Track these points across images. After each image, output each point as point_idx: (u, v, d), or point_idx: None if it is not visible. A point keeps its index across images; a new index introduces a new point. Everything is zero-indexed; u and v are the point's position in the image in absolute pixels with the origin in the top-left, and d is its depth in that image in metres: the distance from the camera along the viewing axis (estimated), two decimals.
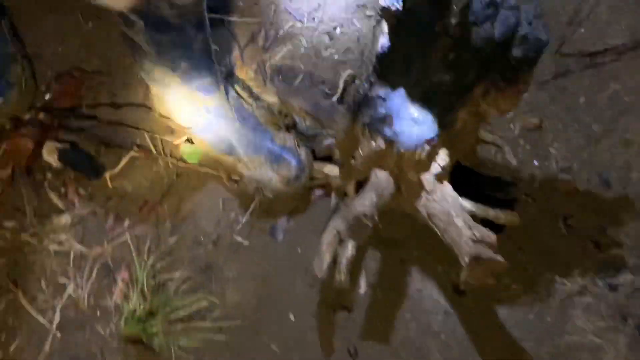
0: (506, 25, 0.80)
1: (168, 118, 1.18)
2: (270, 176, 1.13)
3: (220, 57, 1.27)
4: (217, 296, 1.15)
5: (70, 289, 1.12)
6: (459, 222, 0.94)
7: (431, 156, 0.95)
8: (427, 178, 0.97)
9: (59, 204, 1.19)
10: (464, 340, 1.15)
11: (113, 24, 0.97)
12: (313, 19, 1.31)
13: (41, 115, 1.21)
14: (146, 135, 1.21)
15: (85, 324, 1.13)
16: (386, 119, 0.92)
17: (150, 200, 1.20)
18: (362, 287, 1.16)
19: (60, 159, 1.18)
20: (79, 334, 1.14)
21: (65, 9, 1.26)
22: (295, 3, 1.31)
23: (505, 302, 1.15)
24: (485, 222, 1.10)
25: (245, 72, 1.26)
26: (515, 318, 1.14)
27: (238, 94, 1.21)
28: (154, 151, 1.20)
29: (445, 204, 0.97)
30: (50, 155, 1.18)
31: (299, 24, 1.31)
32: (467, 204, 1.03)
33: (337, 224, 1.13)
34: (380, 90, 0.91)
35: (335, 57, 1.29)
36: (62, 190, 1.20)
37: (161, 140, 1.21)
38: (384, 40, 0.85)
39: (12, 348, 1.13)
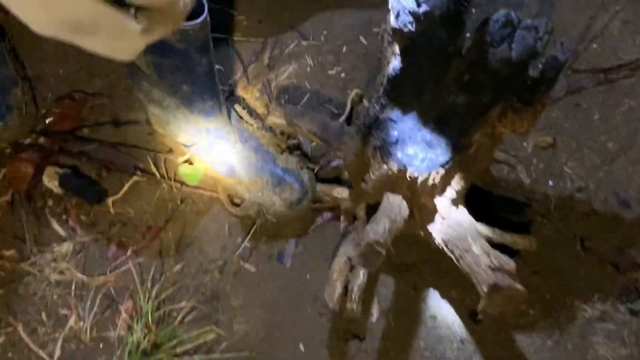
0: (523, 46, 0.77)
1: (168, 140, 1.15)
2: (273, 199, 1.10)
3: (222, 77, 1.25)
4: (224, 326, 1.11)
5: (71, 321, 1.09)
6: (476, 248, 0.90)
7: (445, 180, 0.92)
8: (442, 202, 0.94)
9: (60, 231, 1.15)
10: None
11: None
12: (319, 37, 1.29)
13: (41, 140, 1.18)
14: (149, 158, 1.18)
15: (88, 357, 1.09)
16: (398, 142, 0.89)
17: (154, 226, 1.16)
18: (374, 314, 1.12)
19: (61, 184, 1.15)
20: None
21: None
22: (300, 21, 1.30)
23: (523, 328, 1.11)
24: (499, 245, 1.07)
25: (250, 92, 1.23)
26: (533, 346, 1.10)
27: (239, 115, 1.18)
28: (158, 175, 1.17)
29: (460, 229, 0.93)
30: (50, 180, 1.15)
31: (304, 42, 1.29)
32: (483, 228, 1.00)
33: (348, 250, 1.10)
34: (392, 113, 0.88)
35: (342, 75, 1.27)
36: (64, 216, 1.17)
37: (165, 164, 1.18)
38: (395, 62, 0.83)
39: None
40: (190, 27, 0.80)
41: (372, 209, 1.11)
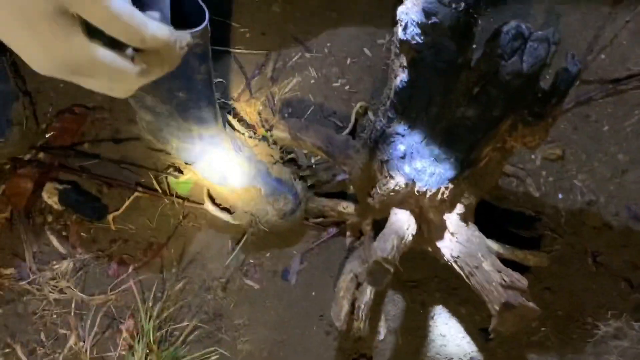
0: (534, 58, 0.75)
1: (159, 150, 1.13)
2: (266, 209, 1.09)
3: (225, 90, 1.24)
4: (227, 346, 1.08)
5: (71, 341, 1.06)
6: (487, 265, 0.88)
7: (454, 195, 0.89)
8: (451, 218, 0.92)
9: (60, 248, 1.13)
10: None
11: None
12: (322, 49, 1.28)
13: (41, 155, 1.17)
14: (150, 173, 1.16)
15: None
16: (406, 156, 0.87)
17: (155, 243, 1.14)
18: (382, 333, 1.09)
19: (61, 200, 1.13)
20: None
21: None
22: (304, 33, 1.28)
23: (535, 346, 1.08)
24: (509, 261, 1.05)
25: (253, 105, 1.22)
26: None
27: (231, 124, 1.17)
28: (159, 190, 1.15)
29: (470, 245, 0.91)
30: (50, 196, 1.14)
31: (307, 55, 1.27)
32: (494, 245, 0.97)
33: (354, 267, 1.08)
34: (399, 126, 0.86)
35: (347, 87, 1.26)
36: (63, 233, 1.14)
37: (166, 179, 1.16)
38: (402, 74, 0.81)
39: None
40: (190, 34, 0.78)
41: (378, 224, 1.08)
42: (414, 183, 0.86)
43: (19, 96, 1.15)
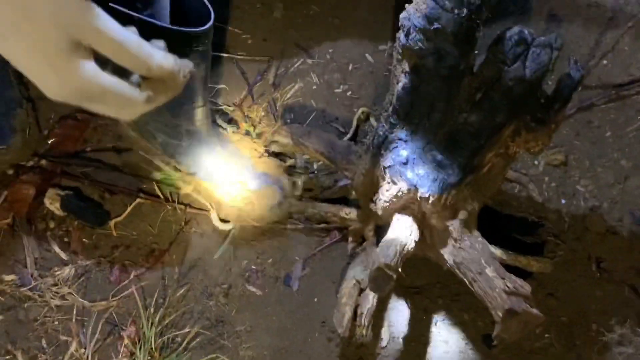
0: (537, 63, 0.75)
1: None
2: (252, 203, 1.10)
3: (227, 96, 1.24)
4: (229, 353, 1.08)
5: (72, 348, 1.06)
6: (490, 272, 0.87)
7: (457, 201, 0.89)
8: (453, 224, 0.91)
9: (62, 254, 1.13)
10: None
11: None
12: (324, 55, 1.28)
13: (44, 161, 1.16)
14: (153, 180, 1.16)
15: None
16: (408, 162, 0.86)
17: (157, 249, 1.14)
18: (384, 339, 1.09)
19: (63, 206, 1.13)
20: None
21: None
22: (306, 39, 1.28)
23: (538, 353, 1.07)
24: (511, 267, 1.04)
25: (255, 111, 1.22)
26: None
27: (215, 120, 1.18)
28: (161, 196, 1.15)
29: (473, 251, 0.90)
30: (52, 202, 1.13)
31: (309, 61, 1.28)
32: (497, 251, 0.97)
33: (357, 273, 1.08)
34: (402, 132, 0.86)
35: (349, 93, 1.26)
36: (65, 239, 1.14)
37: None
38: (404, 80, 0.81)
39: None
40: (193, 33, 0.78)
41: (380, 230, 1.08)
42: (416, 189, 0.85)
43: (22, 103, 1.15)
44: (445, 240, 0.93)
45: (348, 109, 1.25)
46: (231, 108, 1.22)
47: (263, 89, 1.25)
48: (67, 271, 1.11)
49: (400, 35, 0.74)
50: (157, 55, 0.55)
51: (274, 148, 1.18)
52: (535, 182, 1.18)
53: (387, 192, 0.91)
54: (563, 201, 1.16)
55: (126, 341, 1.06)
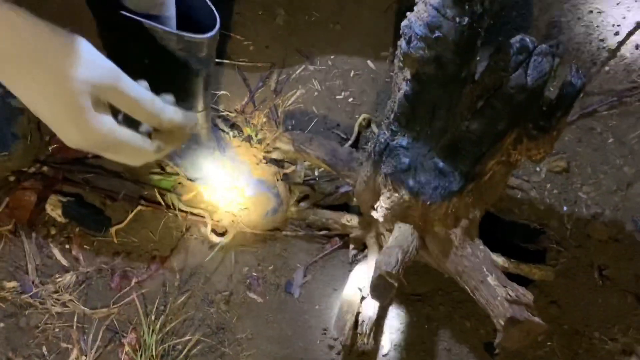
0: (539, 72, 0.74)
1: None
2: (247, 209, 1.10)
3: (229, 102, 1.24)
4: None
5: (73, 355, 1.05)
6: (492, 280, 0.87)
7: (459, 208, 0.89)
8: (455, 232, 0.91)
9: (63, 261, 1.13)
10: None
11: None
12: (326, 61, 1.28)
13: (45, 168, 1.17)
14: (154, 187, 1.16)
15: None
16: (410, 169, 0.86)
17: (158, 256, 1.14)
18: (386, 347, 1.08)
19: (64, 213, 1.13)
20: None
21: None
22: (307, 46, 1.28)
23: None
24: (513, 275, 1.04)
25: (257, 117, 1.22)
26: None
27: (216, 123, 1.18)
28: (162, 203, 1.15)
29: (475, 260, 0.90)
30: (54, 209, 1.13)
31: (311, 67, 1.28)
32: (499, 259, 0.96)
33: (358, 280, 1.07)
34: (403, 139, 0.86)
35: (350, 100, 1.26)
36: (67, 246, 1.14)
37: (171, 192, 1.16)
38: (406, 88, 0.81)
39: None
40: (199, 39, 0.78)
41: (382, 237, 1.08)
42: (417, 196, 0.85)
43: (24, 110, 1.16)
44: (447, 248, 0.93)
45: (349, 115, 1.25)
46: (233, 114, 1.22)
47: (265, 95, 1.26)
48: (68, 278, 1.11)
49: (402, 43, 0.74)
50: (168, 111, 0.61)
51: (276, 155, 1.18)
52: (537, 189, 1.17)
53: (388, 200, 0.90)
54: (565, 208, 1.16)
55: (127, 348, 1.06)
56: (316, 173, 1.21)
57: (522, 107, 0.77)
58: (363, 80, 1.27)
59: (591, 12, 1.27)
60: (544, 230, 1.14)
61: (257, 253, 1.15)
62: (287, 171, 1.20)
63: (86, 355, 1.06)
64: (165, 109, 0.61)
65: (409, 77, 0.79)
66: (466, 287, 0.92)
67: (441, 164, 0.85)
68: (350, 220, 1.12)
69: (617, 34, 1.24)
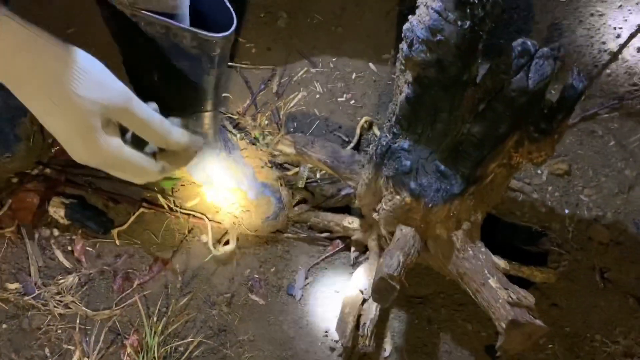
0: (540, 75, 0.75)
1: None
2: (249, 211, 1.10)
3: (230, 104, 1.24)
4: None
5: (75, 356, 1.05)
6: (493, 282, 0.87)
7: (460, 211, 0.89)
8: (457, 234, 0.91)
9: (66, 262, 1.13)
10: None
11: (124, 75, 0.93)
12: (328, 64, 1.28)
13: (48, 170, 1.17)
14: (156, 188, 1.16)
15: None
16: (411, 172, 0.86)
17: (160, 258, 1.14)
18: (387, 349, 1.08)
19: (67, 214, 1.13)
20: None
21: None
22: (309, 48, 1.29)
23: None
24: (515, 277, 1.04)
25: (259, 120, 1.22)
26: None
27: (224, 125, 1.18)
28: (165, 206, 1.15)
29: (477, 262, 0.90)
30: (56, 211, 1.14)
31: (313, 70, 1.28)
32: (500, 261, 0.96)
33: (360, 282, 1.07)
34: (405, 142, 0.86)
35: (352, 102, 1.26)
36: (69, 248, 1.14)
37: (172, 192, 1.16)
38: (407, 90, 0.81)
39: None
40: (212, 38, 0.77)
41: (383, 240, 1.08)
42: (419, 199, 0.85)
43: (26, 111, 1.16)
44: (449, 251, 0.93)
45: (351, 117, 1.25)
46: (235, 116, 1.22)
47: (267, 97, 1.26)
48: (71, 280, 1.11)
49: (404, 46, 0.74)
50: (176, 132, 0.64)
51: (281, 159, 1.18)
52: (539, 191, 1.18)
53: (390, 202, 0.91)
54: (567, 211, 1.16)
55: (129, 350, 1.06)
56: (318, 175, 1.21)
57: (523, 109, 0.77)
58: (365, 82, 1.27)
59: (592, 15, 1.27)
60: (545, 232, 1.14)
61: (258, 255, 1.15)
62: (289, 173, 1.20)
63: (88, 357, 1.06)
64: (173, 130, 0.64)
65: (410, 80, 0.79)
66: (468, 289, 0.92)
67: (443, 167, 0.85)
68: (352, 222, 1.13)
69: (618, 36, 1.25)
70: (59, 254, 1.14)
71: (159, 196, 1.15)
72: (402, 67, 0.79)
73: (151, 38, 0.76)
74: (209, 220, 1.14)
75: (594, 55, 1.25)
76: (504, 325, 0.83)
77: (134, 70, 0.89)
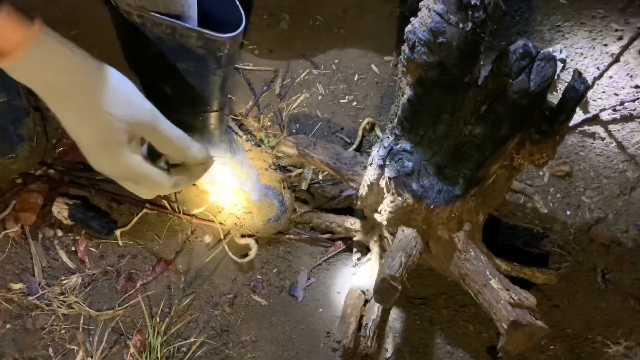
0: (542, 77, 0.75)
1: None
2: (251, 213, 1.10)
3: (233, 106, 1.24)
4: None
5: (79, 356, 1.06)
6: (495, 283, 0.87)
7: (462, 212, 0.89)
8: (459, 236, 0.91)
9: (69, 263, 1.14)
10: None
11: (132, 76, 0.93)
12: (330, 65, 1.29)
13: (51, 171, 1.17)
14: None
15: None
16: (413, 173, 0.87)
17: (163, 258, 1.14)
18: (389, 350, 1.09)
19: (70, 215, 1.14)
20: None
21: None
22: (311, 50, 1.29)
23: None
24: (516, 278, 1.04)
25: (261, 121, 1.23)
26: None
27: (229, 126, 1.19)
28: (168, 207, 1.16)
29: (478, 263, 0.90)
30: (60, 211, 1.14)
31: (315, 71, 1.29)
32: (502, 262, 0.97)
33: (361, 283, 1.08)
34: (406, 144, 0.87)
35: (354, 104, 1.26)
36: (73, 248, 1.15)
37: (175, 195, 1.17)
38: (410, 92, 0.81)
39: None
40: (219, 38, 0.78)
41: (385, 241, 1.08)
42: (421, 200, 0.86)
43: (29, 112, 1.16)
44: (450, 252, 0.93)
45: (353, 119, 1.25)
46: (237, 118, 1.23)
47: (269, 99, 1.26)
48: (74, 280, 1.12)
49: (405, 48, 0.74)
50: (194, 148, 0.68)
51: (284, 161, 1.19)
52: (541, 193, 1.18)
53: (391, 203, 0.91)
54: (568, 212, 1.16)
55: (132, 350, 1.06)
56: (320, 177, 1.21)
57: (525, 111, 0.77)
58: (367, 84, 1.28)
59: (594, 17, 1.28)
60: (547, 234, 1.14)
61: (261, 256, 1.15)
62: (292, 175, 1.20)
63: (92, 357, 1.06)
64: (193, 146, 0.67)
65: (412, 82, 0.80)
66: (469, 290, 0.92)
67: (445, 168, 0.86)
68: (354, 223, 1.13)
69: (620, 38, 1.25)
70: (62, 255, 1.14)
71: (162, 197, 1.16)
72: (404, 69, 0.80)
73: (158, 38, 0.77)
74: (220, 224, 1.14)
75: (595, 57, 1.25)
76: (505, 326, 0.84)
77: (140, 70, 0.90)
